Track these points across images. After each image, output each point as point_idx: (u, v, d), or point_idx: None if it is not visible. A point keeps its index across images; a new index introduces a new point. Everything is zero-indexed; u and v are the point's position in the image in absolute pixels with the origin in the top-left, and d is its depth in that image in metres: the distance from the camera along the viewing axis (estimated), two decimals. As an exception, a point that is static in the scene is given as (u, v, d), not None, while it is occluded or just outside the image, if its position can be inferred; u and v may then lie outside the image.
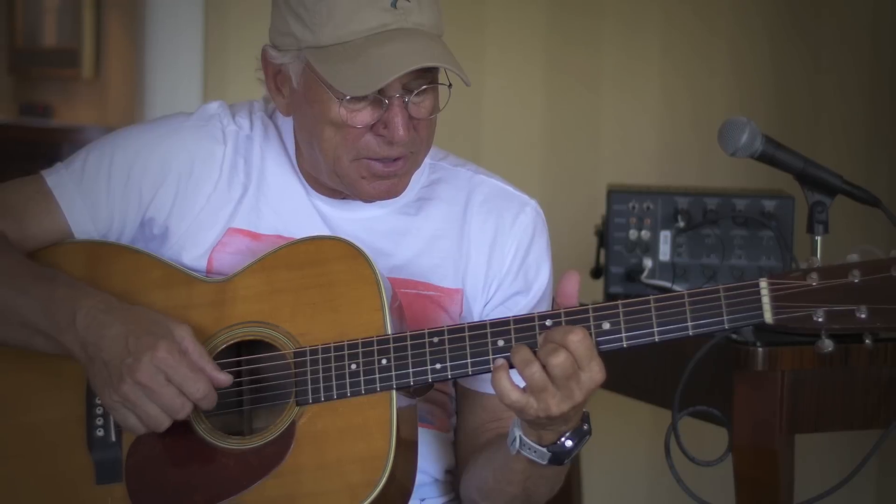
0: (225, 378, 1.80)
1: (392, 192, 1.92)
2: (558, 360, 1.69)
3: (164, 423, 1.79)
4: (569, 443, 1.76)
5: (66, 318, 1.82)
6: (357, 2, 1.82)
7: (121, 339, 1.78)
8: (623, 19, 3.81)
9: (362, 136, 1.86)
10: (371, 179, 1.89)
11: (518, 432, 1.77)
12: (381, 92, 1.83)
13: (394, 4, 1.83)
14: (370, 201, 1.93)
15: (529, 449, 1.77)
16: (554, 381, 1.70)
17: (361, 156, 1.87)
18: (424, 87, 1.85)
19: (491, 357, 1.77)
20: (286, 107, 1.93)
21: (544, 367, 1.70)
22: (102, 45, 5.08)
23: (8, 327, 1.87)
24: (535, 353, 1.71)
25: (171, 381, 1.77)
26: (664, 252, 2.70)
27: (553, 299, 1.98)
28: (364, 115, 1.85)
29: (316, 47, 1.84)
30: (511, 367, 1.73)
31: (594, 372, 1.71)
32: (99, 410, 1.87)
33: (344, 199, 1.96)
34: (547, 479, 1.85)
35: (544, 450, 1.76)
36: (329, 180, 1.92)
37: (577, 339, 1.70)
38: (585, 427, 1.77)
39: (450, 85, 1.87)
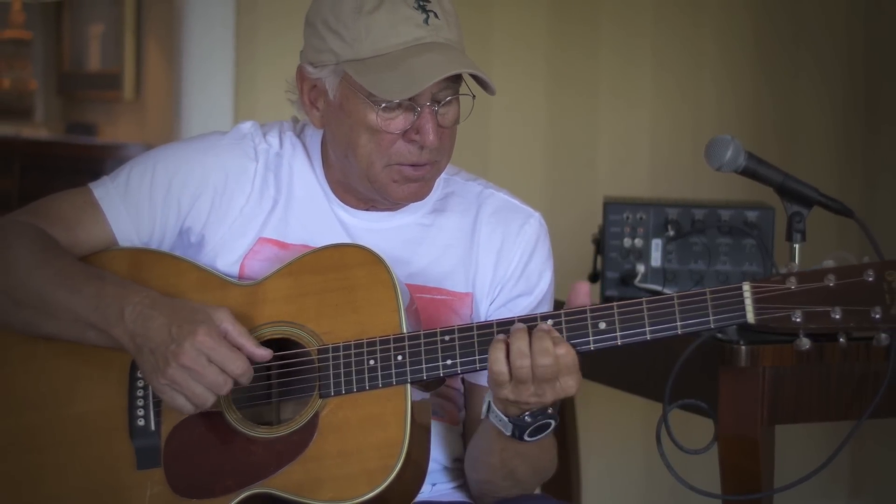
0: (264, 353, 1.81)
1: (419, 195, 1.93)
2: (545, 362, 1.71)
3: (210, 399, 1.80)
4: (527, 418, 1.77)
5: (115, 313, 1.83)
6: (394, 18, 1.84)
7: (165, 328, 1.80)
8: (619, 38, 3.81)
9: (395, 143, 1.87)
10: (402, 182, 1.90)
11: (489, 398, 1.79)
12: (413, 101, 1.84)
13: (426, 21, 1.85)
14: (400, 203, 1.94)
15: (494, 416, 1.79)
16: (535, 379, 1.72)
17: (393, 161, 1.88)
18: (449, 98, 1.87)
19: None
20: (320, 119, 1.94)
21: (532, 366, 1.72)
22: (142, 70, 5.09)
23: (62, 322, 1.88)
24: (531, 348, 1.73)
25: (213, 361, 1.78)
26: (656, 258, 2.70)
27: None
28: (398, 122, 1.86)
29: (355, 60, 1.85)
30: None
31: (568, 385, 1.74)
32: (140, 402, 1.88)
33: (367, 209, 1.97)
34: (525, 457, 1.86)
35: (506, 420, 1.78)
36: (361, 185, 1.93)
37: (562, 352, 1.73)
38: (550, 411, 1.78)
39: (473, 96, 1.89)
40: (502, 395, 1.75)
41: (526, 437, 1.79)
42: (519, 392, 1.74)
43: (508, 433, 1.79)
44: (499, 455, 1.86)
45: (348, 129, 1.89)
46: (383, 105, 1.84)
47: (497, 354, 1.74)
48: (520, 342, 1.73)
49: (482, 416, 1.82)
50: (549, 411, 1.78)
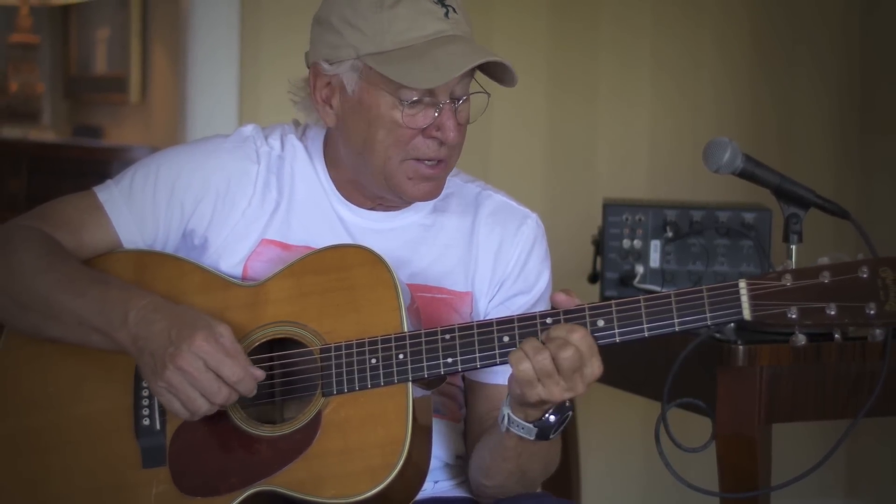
0: (258, 374, 1.81)
1: (433, 194, 1.93)
2: (567, 355, 1.71)
3: (204, 407, 1.79)
4: (552, 418, 1.77)
5: (119, 317, 1.84)
6: (416, 11, 1.86)
7: (165, 331, 1.80)
8: (618, 39, 3.82)
9: (413, 139, 1.88)
10: (417, 181, 1.90)
11: (506, 411, 1.78)
12: (433, 97, 1.85)
13: (446, 15, 1.87)
14: (413, 201, 1.95)
15: (517, 426, 1.78)
16: (561, 374, 1.72)
17: (410, 156, 1.88)
18: (465, 96, 1.88)
19: (497, 352, 1.78)
20: (334, 117, 1.94)
21: (553, 359, 1.71)
22: (148, 73, 5.09)
23: (66, 326, 1.88)
24: (546, 346, 1.72)
25: (209, 367, 1.78)
26: (654, 259, 2.70)
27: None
28: (420, 119, 1.87)
29: (377, 53, 1.86)
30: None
31: (595, 367, 1.73)
32: (145, 402, 1.88)
33: (371, 209, 1.98)
34: (539, 456, 1.86)
35: (531, 426, 1.77)
36: (375, 182, 1.92)
37: (579, 336, 1.72)
38: (567, 404, 1.78)
39: (489, 94, 1.90)
40: (534, 397, 1.73)
41: (551, 437, 1.79)
42: (550, 390, 1.72)
43: (533, 438, 1.78)
44: (515, 461, 1.85)
45: (366, 124, 1.89)
46: (407, 101, 1.85)
47: (518, 355, 1.73)
48: (532, 342, 1.73)
49: (501, 431, 1.81)
50: (567, 404, 1.77)
